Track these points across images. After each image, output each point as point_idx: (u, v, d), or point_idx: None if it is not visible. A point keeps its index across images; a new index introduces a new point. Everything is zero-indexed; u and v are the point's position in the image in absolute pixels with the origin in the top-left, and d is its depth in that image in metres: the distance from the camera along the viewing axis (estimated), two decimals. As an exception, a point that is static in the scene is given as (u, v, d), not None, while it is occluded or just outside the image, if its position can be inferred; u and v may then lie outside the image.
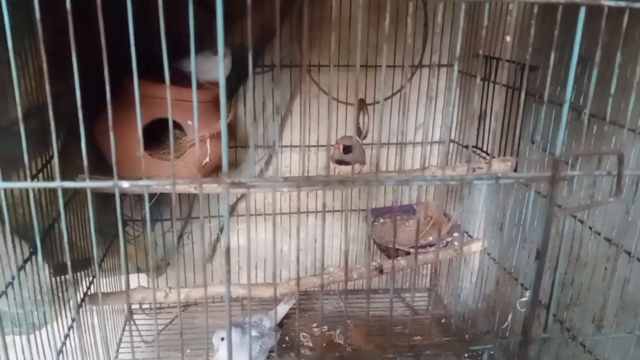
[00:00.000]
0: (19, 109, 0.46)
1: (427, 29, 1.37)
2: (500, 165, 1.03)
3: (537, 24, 0.54)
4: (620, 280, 0.64)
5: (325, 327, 1.39)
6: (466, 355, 0.92)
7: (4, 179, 0.50)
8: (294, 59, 1.33)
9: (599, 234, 0.71)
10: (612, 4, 0.51)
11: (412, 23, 1.06)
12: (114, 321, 1.30)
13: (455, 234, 1.26)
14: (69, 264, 0.55)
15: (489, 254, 1.24)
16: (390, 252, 1.27)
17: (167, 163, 1.07)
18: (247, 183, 0.48)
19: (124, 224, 1.34)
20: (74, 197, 1.01)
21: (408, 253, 1.18)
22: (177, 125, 1.12)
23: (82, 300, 1.04)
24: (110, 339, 1.24)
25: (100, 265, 1.14)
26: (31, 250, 0.82)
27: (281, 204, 1.46)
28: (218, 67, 1.23)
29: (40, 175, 0.86)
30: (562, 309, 0.65)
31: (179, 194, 1.19)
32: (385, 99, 1.36)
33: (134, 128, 0.99)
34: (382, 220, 1.38)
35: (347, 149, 1.07)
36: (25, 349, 0.62)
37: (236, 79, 1.31)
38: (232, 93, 1.31)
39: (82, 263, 1.08)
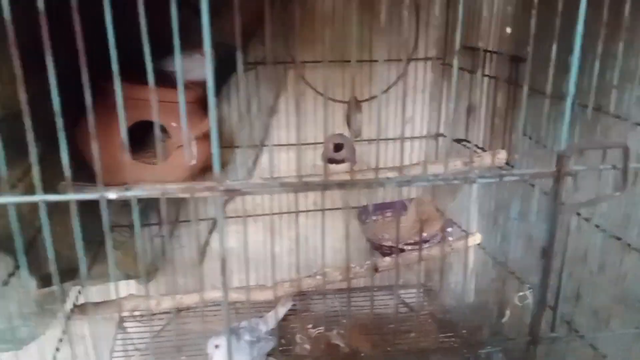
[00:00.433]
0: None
1: (418, 20, 1.35)
2: (492, 159, 1.02)
3: (518, 14, 0.53)
4: (622, 276, 0.63)
5: (322, 328, 1.37)
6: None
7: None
8: (278, 56, 1.30)
9: (604, 230, 0.69)
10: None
11: (406, 15, 1.05)
12: (105, 330, 1.27)
13: (449, 229, 1.25)
14: (56, 277, 0.52)
15: (484, 249, 1.23)
16: (383, 250, 1.26)
17: (152, 167, 1.04)
18: (242, 190, 0.45)
19: (111, 230, 1.31)
20: (56, 206, 0.98)
21: (402, 250, 1.16)
22: (160, 128, 1.09)
23: (71, 311, 1.01)
24: (102, 348, 1.20)
25: (88, 275, 1.10)
26: (16, 264, 0.79)
27: (270, 204, 1.43)
28: (200, 67, 1.19)
29: (21, 185, 0.82)
30: (568, 307, 0.64)
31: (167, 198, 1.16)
32: (384, 92, 1.34)
33: (116, 132, 0.95)
34: (374, 218, 1.36)
35: (338, 147, 1.05)
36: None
37: (219, 78, 1.28)
38: (215, 92, 1.28)
39: (69, 273, 1.04)
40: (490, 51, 1.16)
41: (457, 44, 0.49)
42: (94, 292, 1.17)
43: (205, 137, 1.08)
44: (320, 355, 1.28)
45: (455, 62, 0.49)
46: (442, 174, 0.48)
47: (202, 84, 1.07)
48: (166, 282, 1.41)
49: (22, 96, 0.39)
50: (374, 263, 1.10)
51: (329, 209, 1.48)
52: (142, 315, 1.40)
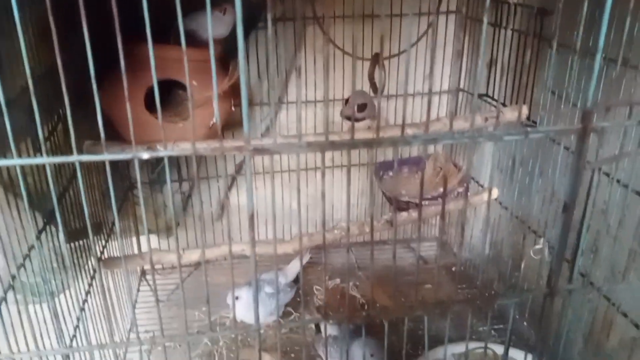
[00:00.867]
0: (29, 79, 0.44)
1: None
2: (513, 114, 1.01)
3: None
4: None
5: (338, 279, 1.41)
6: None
7: (6, 154, 0.48)
8: (297, 11, 1.28)
9: (625, 186, 0.70)
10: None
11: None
12: (128, 283, 1.32)
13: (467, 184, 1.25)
14: (90, 232, 0.54)
15: (500, 203, 1.24)
16: (400, 205, 1.27)
17: (175, 126, 1.04)
18: (270, 149, 0.46)
19: (132, 187, 1.33)
20: (81, 165, 1.00)
21: (419, 205, 1.17)
22: (181, 86, 1.09)
23: (97, 263, 1.05)
24: (125, 300, 1.25)
25: (111, 229, 1.14)
26: (45, 220, 0.82)
27: (282, 162, 1.45)
28: (219, 24, 1.18)
29: (48, 144, 0.84)
30: (585, 260, 0.65)
31: (186, 156, 1.18)
32: (412, 45, 1.31)
33: (139, 92, 0.96)
34: (390, 174, 1.37)
35: (361, 108, 1.05)
36: (46, 316, 0.63)
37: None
38: (235, 51, 1.27)
39: (94, 228, 1.07)
40: (515, 3, 1.12)
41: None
42: (117, 249, 1.21)
43: (225, 94, 1.08)
44: (337, 306, 1.32)
45: (485, 19, 0.48)
46: (467, 131, 0.48)
47: (220, 42, 1.06)
48: (185, 237, 1.45)
49: (58, 57, 0.40)
50: (391, 217, 1.11)
51: (354, 165, 1.49)
52: (163, 269, 1.45)
